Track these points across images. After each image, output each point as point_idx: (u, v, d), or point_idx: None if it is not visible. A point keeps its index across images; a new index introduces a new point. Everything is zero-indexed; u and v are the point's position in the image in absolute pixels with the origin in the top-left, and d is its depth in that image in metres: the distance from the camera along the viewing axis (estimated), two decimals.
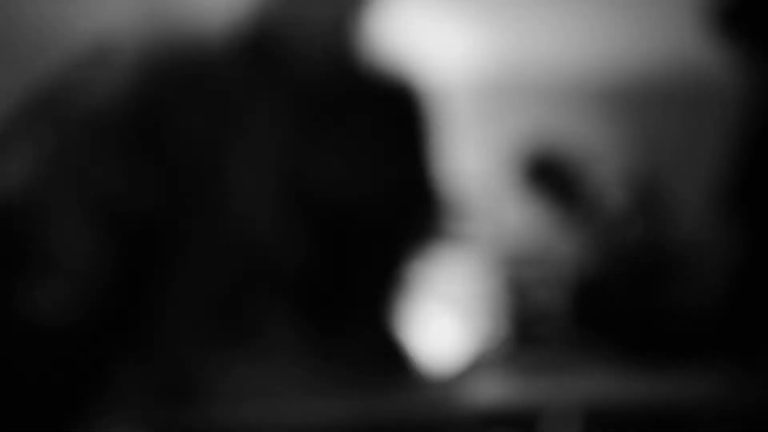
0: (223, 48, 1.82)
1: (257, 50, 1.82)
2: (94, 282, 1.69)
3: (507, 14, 3.50)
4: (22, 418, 1.50)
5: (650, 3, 3.35)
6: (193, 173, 1.75)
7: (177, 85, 1.80)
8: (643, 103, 3.91)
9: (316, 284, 1.74)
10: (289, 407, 1.45)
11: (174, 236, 1.75)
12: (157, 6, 2.01)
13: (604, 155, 3.67)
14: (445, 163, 2.14)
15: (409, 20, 2.81)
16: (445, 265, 2.58)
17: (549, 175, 3.43)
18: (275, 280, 1.72)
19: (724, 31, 1.78)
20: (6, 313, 1.73)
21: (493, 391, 1.87)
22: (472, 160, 3.65)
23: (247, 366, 1.71)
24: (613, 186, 3.38)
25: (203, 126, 1.75)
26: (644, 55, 3.76)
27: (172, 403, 1.63)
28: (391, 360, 1.81)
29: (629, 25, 3.56)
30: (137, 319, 1.75)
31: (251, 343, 1.74)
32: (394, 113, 1.95)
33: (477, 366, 2.62)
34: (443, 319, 3.70)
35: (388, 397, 1.49)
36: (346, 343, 1.72)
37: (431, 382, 2.00)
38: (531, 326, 3.32)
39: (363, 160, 1.82)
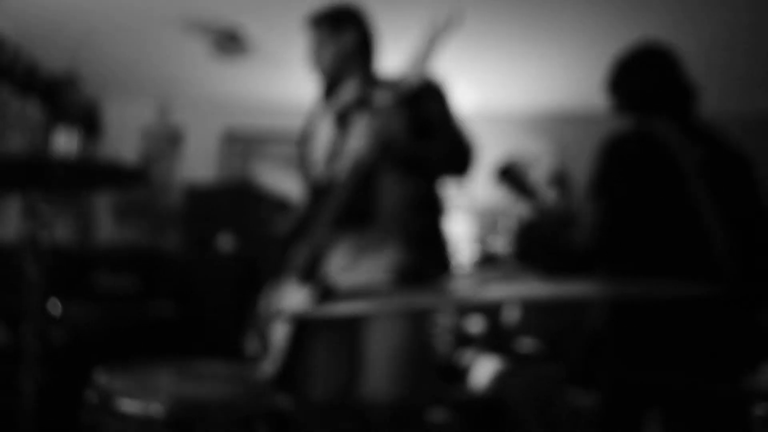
0: None
1: None
2: None
3: (483, 75, 5.12)
4: None
5: (566, 67, 4.92)
6: None
7: None
8: (561, 126, 5.86)
9: None
10: None
11: None
12: None
13: (540, 159, 5.78)
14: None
15: None
16: None
17: (510, 172, 5.46)
18: None
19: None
20: None
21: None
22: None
23: None
24: (544, 177, 5.24)
25: None
26: (564, 98, 5.57)
27: None
28: None
29: (553, 80, 5.22)
30: None
31: None
32: None
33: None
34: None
35: None
36: None
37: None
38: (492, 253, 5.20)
39: None
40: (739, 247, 2.03)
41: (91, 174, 1.93)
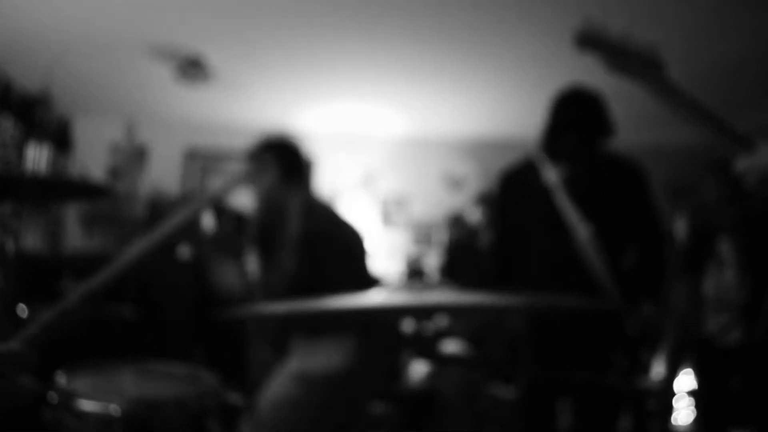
0: None
1: None
2: None
3: (417, 103, 5.20)
4: None
5: (493, 99, 5.00)
6: None
7: None
8: (488, 151, 5.91)
9: None
10: None
11: None
12: None
13: (471, 179, 5.89)
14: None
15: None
16: None
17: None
18: None
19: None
20: None
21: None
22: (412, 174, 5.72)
23: None
24: (472, 197, 5.33)
25: None
26: (491, 126, 5.66)
27: None
28: None
29: (481, 110, 5.30)
30: None
31: None
32: None
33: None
34: None
35: None
36: None
37: None
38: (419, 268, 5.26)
39: None
40: (607, 260, 2.05)
41: (61, 188, 1.88)
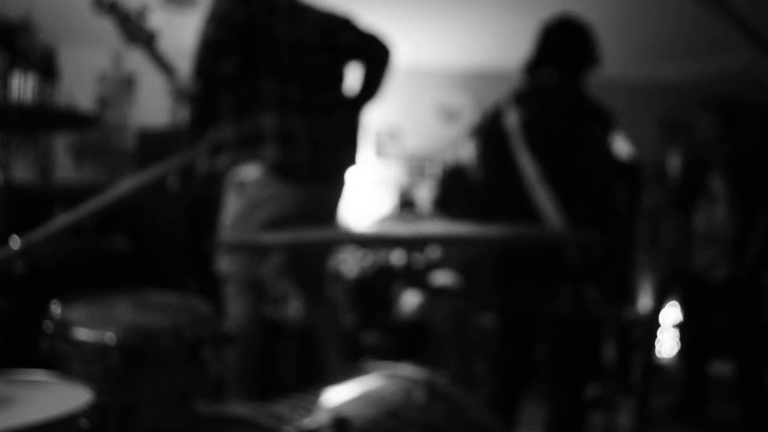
0: None
1: None
2: None
3: (414, 34, 5.13)
4: None
5: (489, 27, 4.95)
6: None
7: None
8: (482, 83, 5.88)
9: None
10: None
11: None
12: None
13: (466, 110, 5.84)
14: None
15: None
16: None
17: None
18: None
19: None
20: None
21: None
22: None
23: None
24: (466, 130, 5.28)
25: None
26: (486, 55, 5.59)
27: None
28: None
29: (476, 39, 5.24)
30: None
31: None
32: None
33: None
34: None
35: None
36: None
37: None
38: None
39: None
40: (558, 197, 2.10)
41: (49, 117, 1.85)
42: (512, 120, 2.19)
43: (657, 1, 3.90)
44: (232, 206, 2.22)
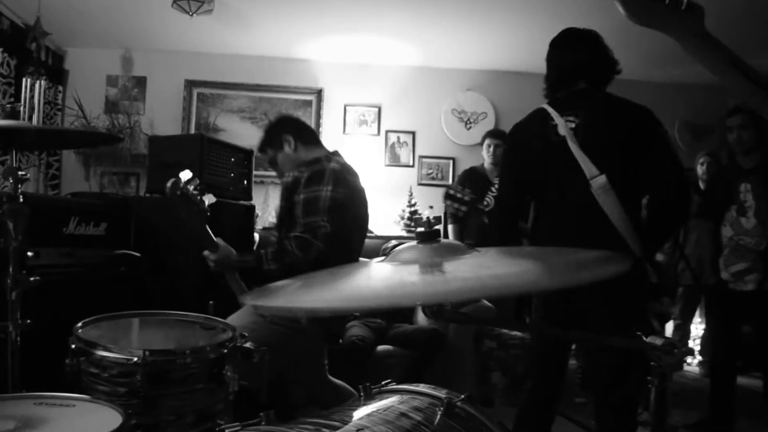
0: None
1: None
2: None
3: (427, 36, 5.22)
4: None
5: (505, 30, 4.93)
6: None
7: None
8: (498, 80, 5.95)
9: None
10: None
11: None
12: None
13: (481, 113, 5.88)
14: None
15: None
16: None
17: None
18: None
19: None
20: None
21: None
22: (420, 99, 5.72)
23: None
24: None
25: None
26: (503, 58, 5.62)
27: None
28: None
29: (495, 42, 5.23)
30: None
31: None
32: None
33: None
34: None
35: None
36: None
37: None
38: None
39: None
40: (624, 208, 2.11)
41: (64, 138, 1.94)
42: (563, 127, 2.21)
43: None
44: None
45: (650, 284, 2.18)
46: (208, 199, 2.23)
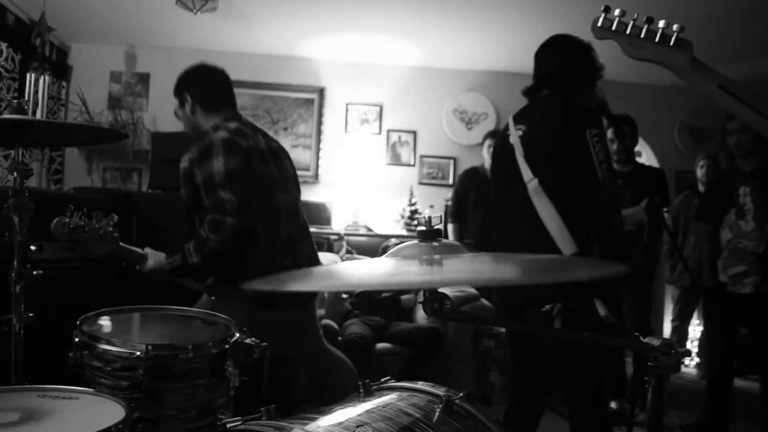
0: None
1: None
2: None
3: (429, 35, 5.29)
4: None
5: (500, 33, 5.01)
6: None
7: None
8: (499, 81, 5.92)
9: None
10: None
11: None
12: None
13: (481, 114, 5.90)
14: None
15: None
16: None
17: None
18: None
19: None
20: None
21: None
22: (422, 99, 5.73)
23: None
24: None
25: None
26: (504, 59, 5.62)
27: None
28: None
29: (496, 42, 5.27)
30: None
31: None
32: None
33: None
34: None
35: None
36: None
37: None
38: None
39: None
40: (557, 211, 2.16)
41: (69, 134, 1.95)
42: (514, 137, 2.31)
43: (683, 5, 3.94)
44: None
45: (580, 286, 2.14)
46: (110, 219, 2.13)
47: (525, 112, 2.38)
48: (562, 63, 2.34)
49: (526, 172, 2.22)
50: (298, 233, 2.48)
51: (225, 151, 2.20)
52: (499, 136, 2.50)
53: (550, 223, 2.16)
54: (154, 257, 2.27)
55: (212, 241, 2.12)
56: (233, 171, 2.18)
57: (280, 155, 2.53)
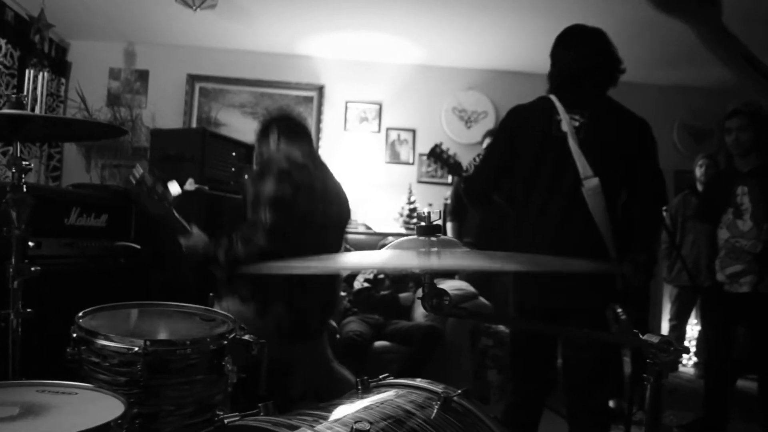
0: None
1: None
2: None
3: (428, 33, 5.25)
4: None
5: (500, 33, 4.94)
6: None
7: None
8: (499, 80, 5.93)
9: None
10: None
11: None
12: None
13: (481, 112, 5.90)
14: None
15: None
16: None
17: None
18: None
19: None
20: None
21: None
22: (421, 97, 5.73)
23: None
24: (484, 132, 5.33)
25: None
26: (503, 57, 5.61)
27: None
28: None
29: (496, 41, 5.21)
30: None
31: None
32: None
33: None
34: None
35: None
36: None
37: None
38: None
39: None
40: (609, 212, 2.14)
41: (69, 129, 1.94)
42: (567, 124, 2.21)
43: None
44: None
45: (614, 290, 2.18)
46: (173, 188, 2.27)
47: (576, 102, 2.26)
48: (598, 56, 2.29)
49: (584, 168, 2.15)
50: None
51: (279, 177, 2.33)
52: (541, 116, 2.29)
53: (603, 225, 2.12)
54: (197, 236, 2.36)
55: (239, 252, 2.25)
56: (278, 197, 2.30)
57: (331, 198, 2.60)
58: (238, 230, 2.30)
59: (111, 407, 1.07)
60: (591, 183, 2.13)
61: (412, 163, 5.92)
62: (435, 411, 1.26)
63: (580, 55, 2.30)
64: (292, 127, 2.68)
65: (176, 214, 2.31)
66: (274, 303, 2.31)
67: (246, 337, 1.57)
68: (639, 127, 2.21)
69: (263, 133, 2.67)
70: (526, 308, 2.35)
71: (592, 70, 2.28)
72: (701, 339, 5.24)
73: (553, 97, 2.30)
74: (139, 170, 2.18)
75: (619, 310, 2.01)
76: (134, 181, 2.17)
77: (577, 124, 2.21)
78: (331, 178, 2.64)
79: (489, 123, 5.86)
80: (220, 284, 2.41)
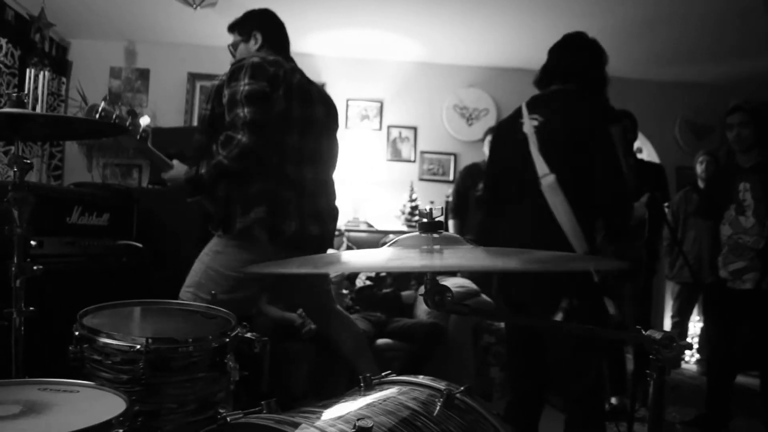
0: None
1: None
2: None
3: (429, 31, 5.27)
4: None
5: (501, 30, 4.97)
6: None
7: None
8: (500, 77, 5.91)
9: None
10: None
11: None
12: None
13: (482, 110, 5.89)
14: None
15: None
16: None
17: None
18: None
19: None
20: None
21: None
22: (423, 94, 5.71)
23: None
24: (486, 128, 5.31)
25: None
26: (498, 53, 5.62)
27: None
28: None
29: (490, 41, 5.28)
30: None
31: None
32: None
33: None
34: None
35: None
36: None
37: None
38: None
39: None
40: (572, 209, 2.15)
41: (71, 127, 1.94)
42: (527, 126, 2.28)
43: (682, 3, 3.94)
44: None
45: (592, 284, 2.19)
46: (144, 120, 2.29)
47: (539, 103, 2.34)
48: (583, 62, 2.34)
49: (541, 166, 2.19)
50: (314, 182, 2.48)
51: (252, 72, 2.29)
52: (507, 123, 2.44)
53: (565, 220, 2.14)
54: (177, 167, 2.37)
55: (220, 155, 2.22)
56: (254, 91, 2.26)
57: (312, 97, 2.54)
58: (217, 140, 2.26)
59: (113, 405, 1.07)
60: (547, 180, 2.16)
61: (414, 161, 5.92)
62: (438, 408, 1.26)
63: (551, 58, 2.40)
64: (277, 34, 2.74)
65: (152, 147, 2.32)
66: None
67: (248, 334, 1.57)
68: (590, 120, 2.22)
69: (245, 28, 2.72)
70: (506, 303, 2.43)
71: (557, 71, 2.35)
72: (703, 336, 5.24)
73: (523, 104, 2.38)
74: (96, 105, 2.17)
75: (575, 302, 2.06)
76: (94, 116, 2.14)
77: (536, 124, 2.27)
78: (312, 83, 2.61)
79: (490, 120, 5.85)
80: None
